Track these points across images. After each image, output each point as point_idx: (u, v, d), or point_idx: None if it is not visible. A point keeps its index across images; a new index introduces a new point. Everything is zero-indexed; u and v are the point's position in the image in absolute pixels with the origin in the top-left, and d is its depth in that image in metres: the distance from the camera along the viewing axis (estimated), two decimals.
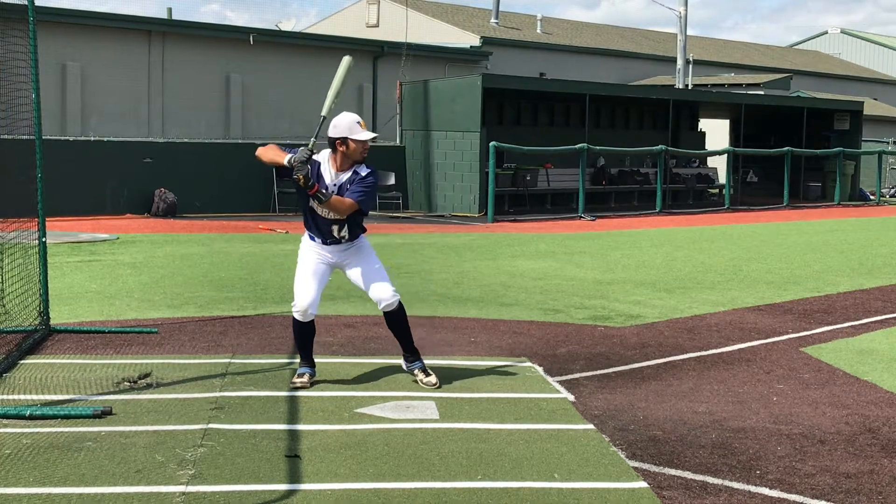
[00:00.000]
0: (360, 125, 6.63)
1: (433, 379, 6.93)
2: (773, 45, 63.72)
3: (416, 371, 7.01)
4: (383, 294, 6.84)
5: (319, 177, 6.66)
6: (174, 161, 21.38)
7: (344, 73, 6.81)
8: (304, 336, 6.97)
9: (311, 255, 6.90)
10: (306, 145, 6.55)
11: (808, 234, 20.69)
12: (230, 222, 19.77)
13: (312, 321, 6.93)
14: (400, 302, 6.92)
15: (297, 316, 6.88)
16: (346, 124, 6.60)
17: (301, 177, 6.40)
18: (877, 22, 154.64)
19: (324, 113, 6.76)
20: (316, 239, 6.86)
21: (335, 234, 6.79)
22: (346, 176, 6.67)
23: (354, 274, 6.91)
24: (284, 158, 6.50)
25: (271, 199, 22.44)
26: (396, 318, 6.96)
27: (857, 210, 29.58)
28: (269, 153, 6.65)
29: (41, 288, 8.25)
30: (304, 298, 6.81)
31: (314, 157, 6.65)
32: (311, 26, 45.14)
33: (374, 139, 6.81)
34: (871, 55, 65.96)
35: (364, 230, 6.96)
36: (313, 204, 6.68)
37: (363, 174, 6.69)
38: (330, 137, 6.66)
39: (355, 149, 6.62)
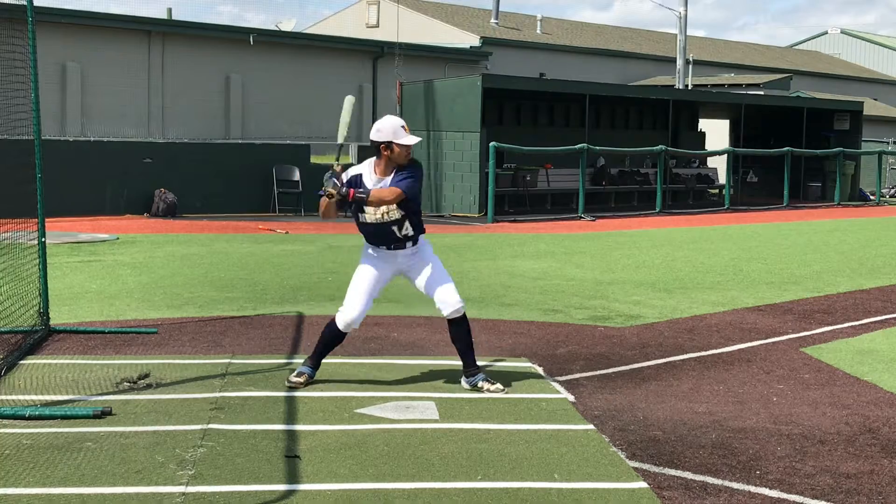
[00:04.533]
0: (405, 129, 6.62)
1: (499, 384, 6.86)
2: (774, 45, 63.75)
3: (479, 383, 6.85)
4: (450, 298, 6.78)
5: (361, 184, 6.62)
6: (174, 161, 21.38)
7: (349, 109, 6.86)
8: (332, 343, 6.89)
9: (374, 261, 6.80)
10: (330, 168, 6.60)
11: (808, 234, 20.69)
12: (230, 222, 19.76)
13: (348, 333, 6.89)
14: (464, 313, 6.86)
15: (340, 325, 6.78)
16: (391, 128, 6.57)
17: (331, 191, 6.40)
18: (889, 23, 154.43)
19: (339, 141, 6.79)
20: (381, 247, 6.77)
21: (398, 234, 6.69)
22: (388, 179, 6.62)
23: (420, 279, 6.86)
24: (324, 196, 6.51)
25: (271, 199, 22.44)
26: (461, 329, 6.85)
27: (857, 210, 29.57)
28: (323, 207, 6.58)
29: (41, 288, 8.25)
30: (355, 309, 6.74)
31: (356, 167, 6.69)
32: (311, 26, 45.14)
33: (418, 143, 6.80)
34: (871, 55, 65.99)
35: (423, 229, 6.85)
36: (363, 216, 6.64)
37: (405, 167, 6.67)
38: (374, 141, 6.61)
39: (399, 153, 6.59)
